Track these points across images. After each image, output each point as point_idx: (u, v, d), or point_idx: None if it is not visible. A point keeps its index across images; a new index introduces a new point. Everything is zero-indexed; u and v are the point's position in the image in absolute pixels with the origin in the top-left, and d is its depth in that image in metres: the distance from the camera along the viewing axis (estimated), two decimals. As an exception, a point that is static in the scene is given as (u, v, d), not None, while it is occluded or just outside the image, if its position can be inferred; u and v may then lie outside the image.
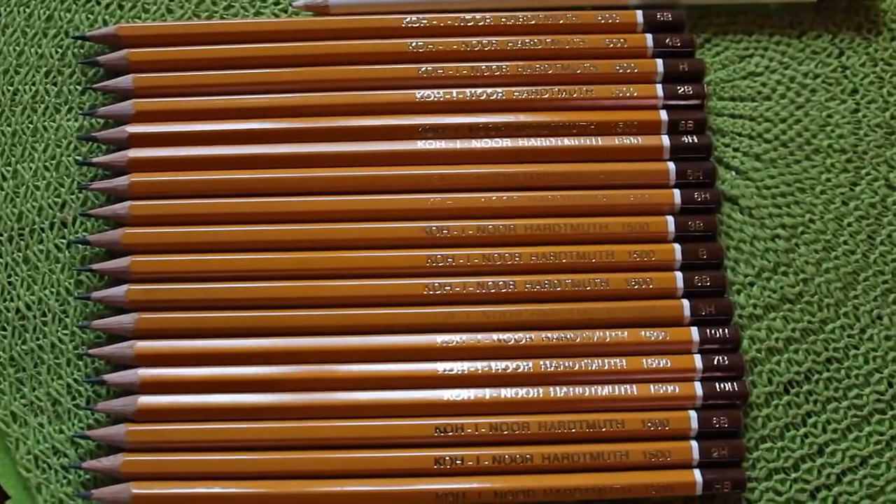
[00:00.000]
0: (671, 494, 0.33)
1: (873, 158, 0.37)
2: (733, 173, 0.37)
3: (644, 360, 0.33)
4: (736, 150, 0.37)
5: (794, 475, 0.34)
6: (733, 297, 0.35)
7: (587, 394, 0.33)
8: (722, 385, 0.33)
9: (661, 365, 0.33)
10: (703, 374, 0.33)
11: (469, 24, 0.36)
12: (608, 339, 0.33)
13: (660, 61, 0.36)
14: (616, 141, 0.35)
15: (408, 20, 0.36)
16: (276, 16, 0.37)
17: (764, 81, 0.38)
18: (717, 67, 0.38)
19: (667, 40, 0.36)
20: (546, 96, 0.35)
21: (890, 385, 0.35)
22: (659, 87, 0.36)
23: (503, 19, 0.36)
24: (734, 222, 0.36)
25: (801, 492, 0.34)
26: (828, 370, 0.35)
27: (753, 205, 0.36)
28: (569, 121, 0.35)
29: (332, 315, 0.33)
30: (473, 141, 0.35)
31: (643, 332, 0.34)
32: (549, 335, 0.33)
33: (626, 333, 0.33)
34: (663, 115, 0.35)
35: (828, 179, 0.37)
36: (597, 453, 0.32)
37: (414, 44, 0.35)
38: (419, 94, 0.35)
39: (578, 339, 0.33)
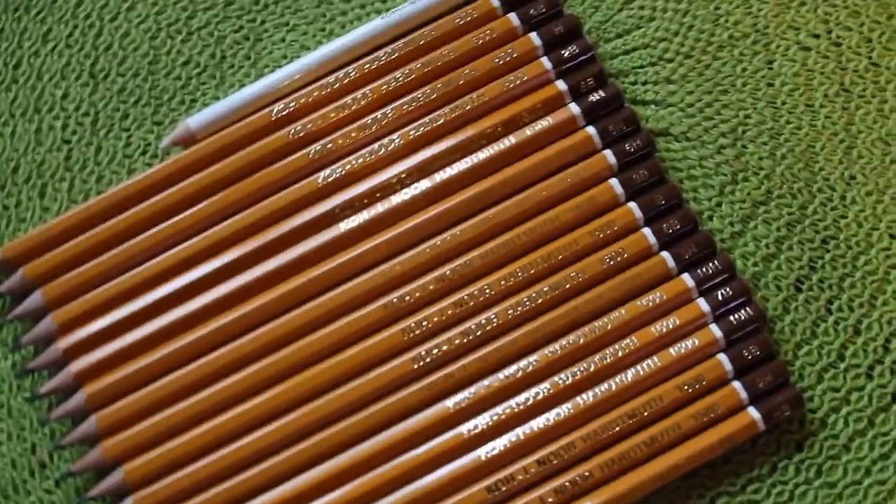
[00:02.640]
0: (738, 441, 0.31)
1: (777, 28, 0.35)
2: (652, 106, 0.35)
3: (653, 328, 0.32)
4: (645, 83, 0.35)
5: (842, 365, 0.33)
6: (707, 225, 0.34)
7: (614, 387, 0.31)
8: (736, 315, 0.32)
9: (671, 325, 0.32)
10: (713, 314, 0.32)
11: (336, 86, 0.34)
12: (610, 325, 0.32)
13: (534, 35, 0.34)
14: (528, 131, 0.33)
15: (276, 110, 0.34)
16: (150, 164, 0.35)
17: (641, 4, 0.36)
18: (591, 12, 0.36)
19: (531, 11, 0.34)
20: (442, 121, 0.33)
21: (892, 237, 0.34)
22: (544, 60, 0.34)
23: (366, 66, 0.34)
24: (675, 153, 0.35)
25: (856, 378, 0.33)
26: (828, 251, 0.34)
27: (685, 128, 0.35)
28: (474, 133, 0.33)
29: (337, 432, 0.31)
30: (393, 197, 0.33)
31: (639, 302, 0.32)
32: (553, 348, 0.32)
33: (624, 311, 0.32)
34: (560, 84, 0.34)
35: (744, 69, 0.35)
36: (651, 439, 0.31)
37: (293, 130, 0.34)
38: (320, 177, 0.33)
39: (582, 340, 0.32)
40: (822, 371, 0.33)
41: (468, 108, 0.33)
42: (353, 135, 0.33)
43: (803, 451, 0.32)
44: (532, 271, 0.32)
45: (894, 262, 0.33)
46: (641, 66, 0.35)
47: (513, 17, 0.34)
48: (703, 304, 0.32)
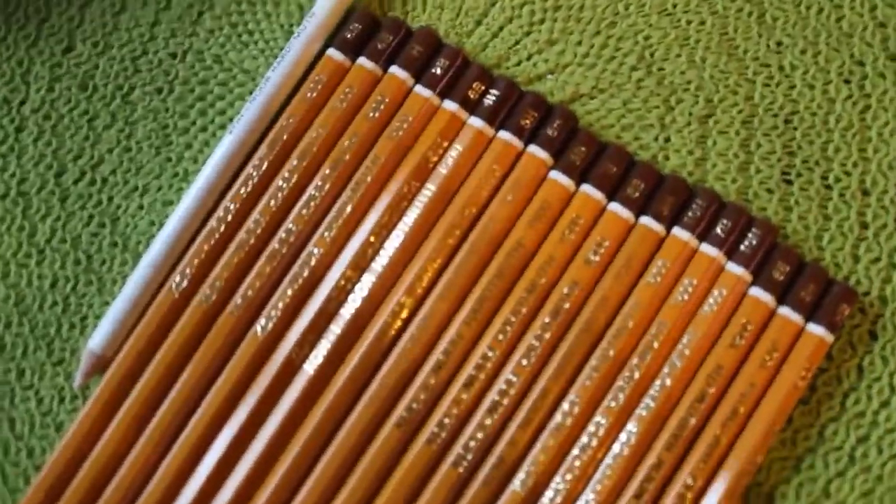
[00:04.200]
0: (817, 364, 0.28)
1: (627, -65, 0.32)
2: (549, 76, 0.31)
3: (673, 299, 0.28)
4: (529, 57, 0.31)
5: (869, 233, 0.30)
6: (667, 166, 0.30)
7: (669, 381, 0.28)
8: (746, 242, 0.29)
9: (690, 285, 0.28)
10: (723, 252, 0.29)
11: (222, 228, 0.29)
12: (631, 321, 0.28)
13: (395, 68, 0.30)
14: (443, 170, 0.29)
15: (174, 286, 0.29)
16: (76, 409, 0.30)
17: (481, -19, 0.32)
18: (438, 14, 0.32)
19: (379, 46, 0.30)
20: (350, 207, 0.29)
21: (847, 82, 0.30)
22: (419, 88, 0.30)
23: (241, 191, 0.29)
24: (598, 111, 0.31)
25: (889, 238, 0.30)
26: (795, 128, 0.30)
27: (594, 81, 0.31)
28: (390, 200, 0.29)
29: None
30: (342, 311, 0.29)
31: (647, 280, 0.29)
32: (587, 375, 0.28)
33: (637, 297, 0.28)
34: (449, 105, 0.30)
35: (618, -7, 0.32)
36: (732, 411, 0.28)
37: (202, 297, 0.29)
38: (257, 329, 0.29)
39: (611, 351, 0.28)
40: (853, 249, 0.30)
41: (369, 179, 0.29)
42: (267, 269, 0.29)
43: (878, 338, 0.29)
44: (524, 310, 0.28)
45: (863, 105, 0.30)
46: (517, 42, 0.31)
47: (364, 62, 0.30)
48: (708, 248, 0.29)
